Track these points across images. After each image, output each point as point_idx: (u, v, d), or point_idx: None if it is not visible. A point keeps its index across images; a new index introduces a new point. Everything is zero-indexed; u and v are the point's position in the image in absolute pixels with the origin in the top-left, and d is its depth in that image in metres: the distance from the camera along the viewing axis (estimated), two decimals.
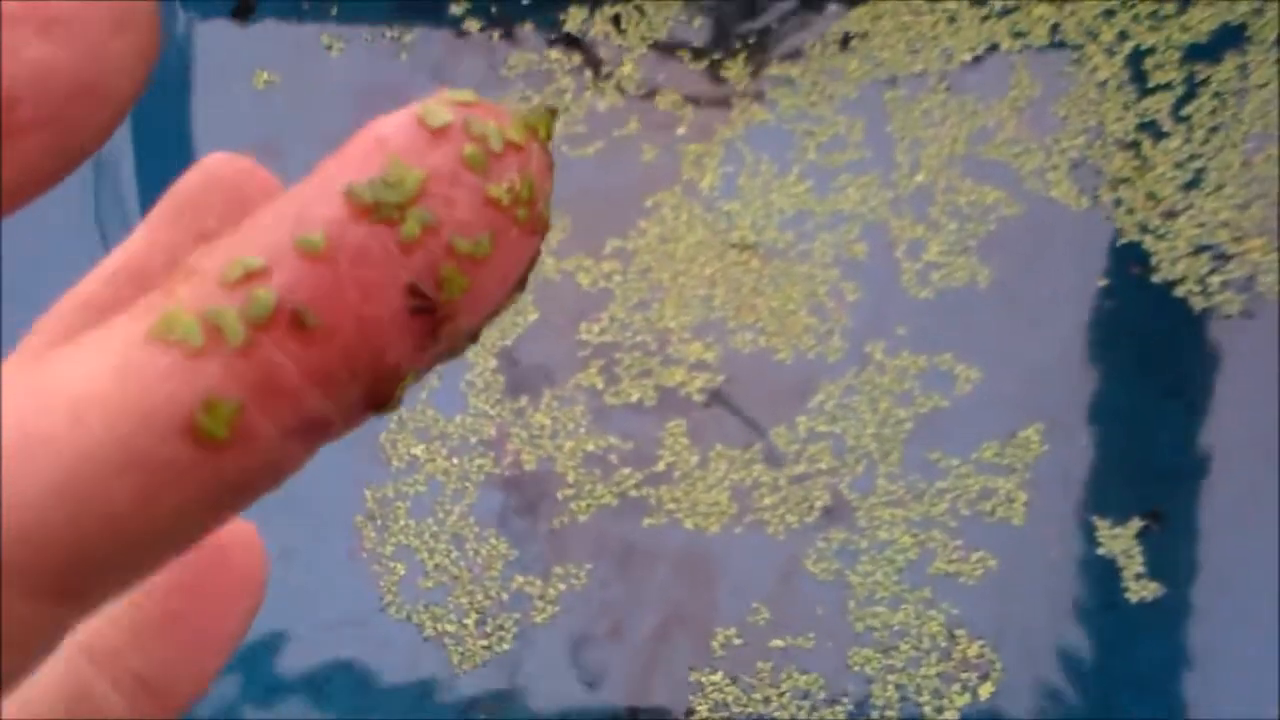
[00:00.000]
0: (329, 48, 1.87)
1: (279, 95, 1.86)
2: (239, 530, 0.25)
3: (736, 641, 1.60)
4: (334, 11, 1.88)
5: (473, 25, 1.87)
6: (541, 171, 0.20)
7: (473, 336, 0.19)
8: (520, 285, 0.20)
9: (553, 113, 0.20)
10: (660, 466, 1.66)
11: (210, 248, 0.19)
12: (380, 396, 0.19)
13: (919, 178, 1.73)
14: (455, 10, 1.87)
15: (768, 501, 1.65)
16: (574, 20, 1.83)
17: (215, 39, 1.91)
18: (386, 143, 0.19)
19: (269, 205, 0.19)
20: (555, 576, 1.66)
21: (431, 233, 0.18)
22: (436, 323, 0.19)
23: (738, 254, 1.73)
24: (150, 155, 1.87)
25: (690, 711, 1.58)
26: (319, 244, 0.18)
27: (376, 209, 0.18)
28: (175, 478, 0.18)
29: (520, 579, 1.66)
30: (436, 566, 1.67)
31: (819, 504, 1.64)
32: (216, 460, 0.18)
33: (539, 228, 0.19)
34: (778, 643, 1.60)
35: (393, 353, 0.18)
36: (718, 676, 1.58)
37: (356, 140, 0.20)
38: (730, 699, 1.58)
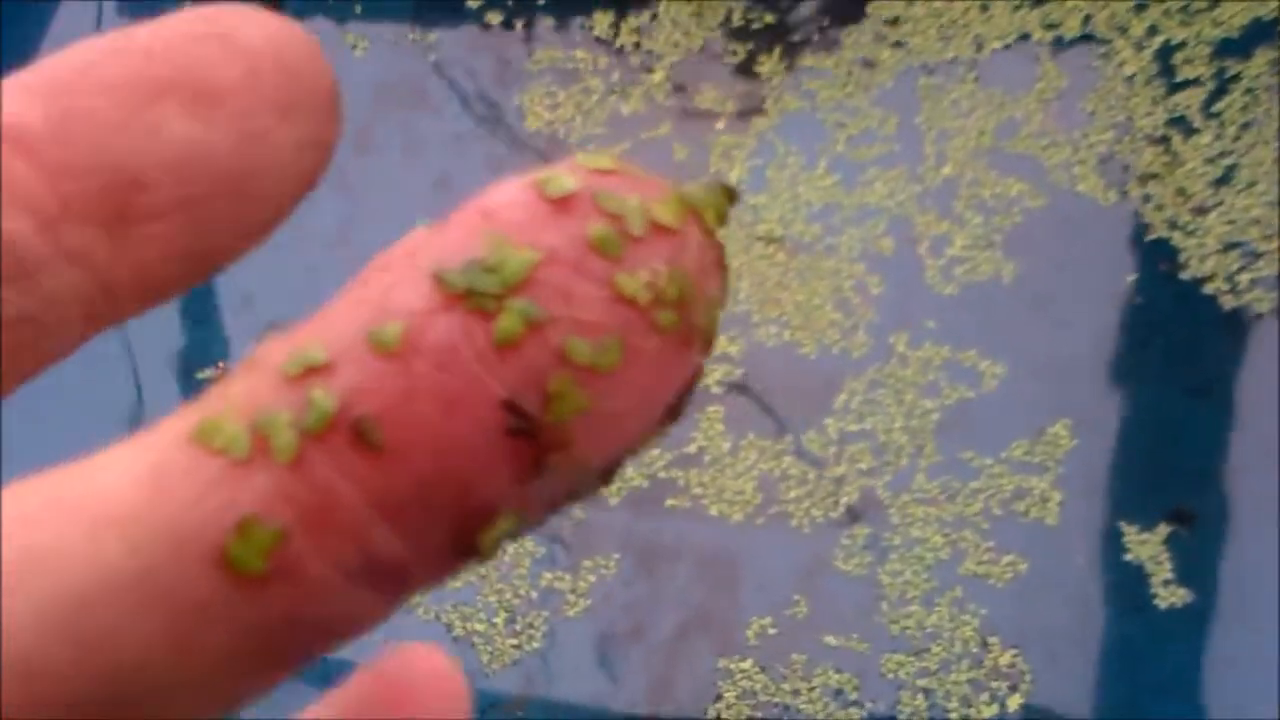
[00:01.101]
0: (354, 47, 1.85)
1: None
2: (424, 662, 0.20)
3: (771, 631, 1.56)
4: (358, 10, 1.85)
5: (494, 19, 1.83)
6: (703, 267, 0.16)
7: (604, 476, 0.16)
8: (671, 414, 0.16)
9: (728, 194, 0.17)
10: (692, 449, 1.63)
11: (284, 336, 0.16)
12: (467, 539, 0.15)
13: (945, 170, 1.69)
14: (476, 4, 1.84)
15: (793, 494, 1.61)
16: (601, 24, 1.79)
17: None
18: (494, 216, 0.16)
19: (350, 287, 0.16)
20: (584, 569, 1.62)
21: (538, 332, 0.15)
22: (541, 450, 0.15)
23: (764, 247, 1.69)
24: None
25: (718, 697, 1.54)
26: (394, 339, 0.15)
27: (469, 297, 0.15)
28: (206, 619, 0.15)
29: (549, 575, 1.63)
30: None
31: (844, 500, 1.60)
32: (256, 600, 0.15)
33: (693, 339, 0.16)
34: (815, 638, 1.57)
35: (484, 486, 0.15)
36: (747, 664, 1.55)
37: (461, 212, 0.16)
38: (759, 687, 1.54)
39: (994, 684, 1.52)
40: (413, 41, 1.83)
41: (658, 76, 1.77)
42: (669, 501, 1.63)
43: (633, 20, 1.79)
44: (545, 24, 1.82)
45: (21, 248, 0.17)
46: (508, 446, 0.15)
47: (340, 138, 0.18)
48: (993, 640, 1.54)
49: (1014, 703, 1.51)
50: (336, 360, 0.15)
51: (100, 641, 0.14)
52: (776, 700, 1.54)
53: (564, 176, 0.16)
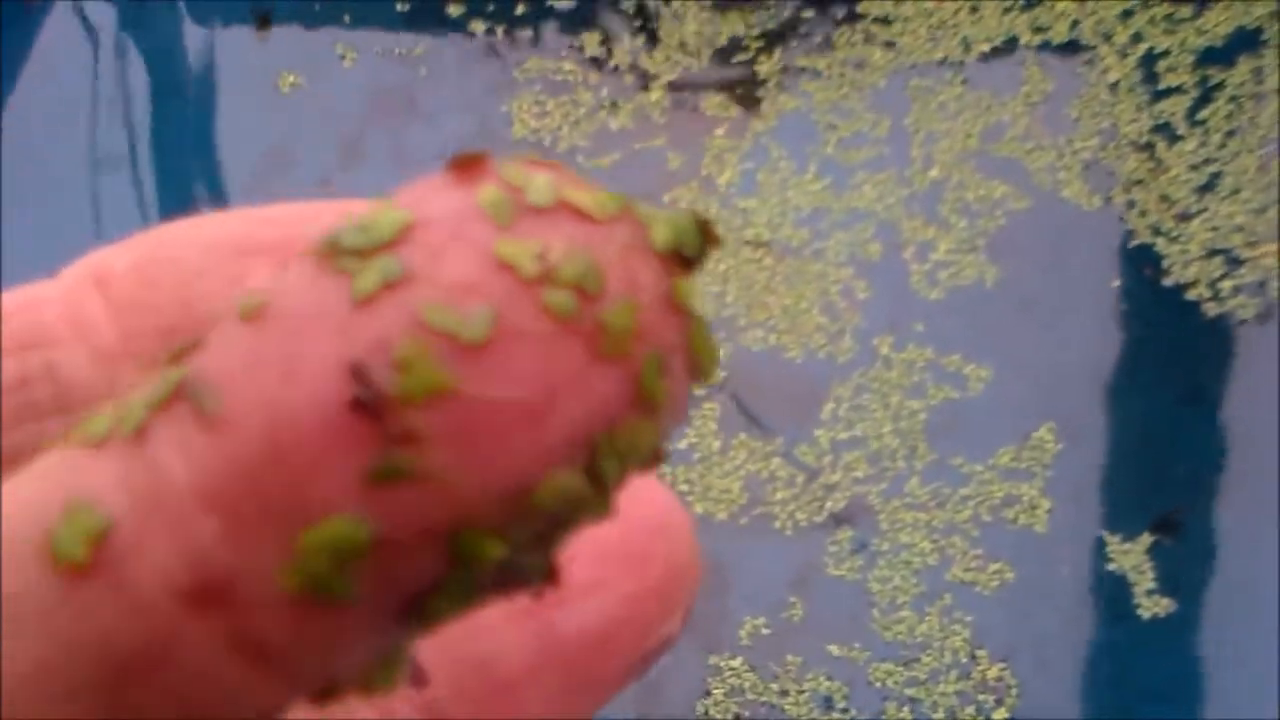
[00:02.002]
0: (343, 57, 1.81)
1: (292, 103, 1.80)
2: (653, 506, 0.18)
3: (765, 632, 1.53)
4: (347, 19, 1.82)
5: (483, 29, 1.80)
6: (640, 288, 0.13)
7: (494, 522, 0.13)
8: (593, 466, 0.13)
9: (701, 228, 0.14)
10: (682, 445, 1.59)
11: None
12: (300, 560, 0.12)
13: (933, 173, 1.66)
14: (463, 15, 1.81)
15: (779, 496, 1.58)
16: (590, 44, 1.77)
17: (230, 47, 1.85)
18: (397, 192, 0.14)
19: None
20: None
21: (393, 290, 0.13)
22: (387, 438, 0.12)
23: (751, 251, 1.66)
24: (163, 159, 1.81)
25: (707, 693, 1.51)
26: (256, 306, 0.13)
27: (332, 256, 0.13)
28: (20, 617, 0.13)
29: None
30: None
31: (829, 506, 1.57)
32: (75, 601, 0.13)
33: (606, 349, 0.13)
34: (806, 641, 1.54)
35: (320, 477, 0.12)
36: (737, 662, 1.52)
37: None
38: (747, 685, 1.51)
39: (981, 696, 1.49)
40: (401, 53, 1.79)
41: (654, 95, 1.74)
42: None
43: (628, 42, 1.76)
44: (536, 36, 1.79)
45: (71, 378, 0.16)
46: (349, 427, 0.12)
47: None
48: (981, 653, 1.51)
49: (999, 716, 1.49)
50: (207, 337, 0.13)
51: None
52: (764, 700, 1.51)
53: (477, 153, 0.14)
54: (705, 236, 0.14)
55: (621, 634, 0.17)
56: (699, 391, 1.59)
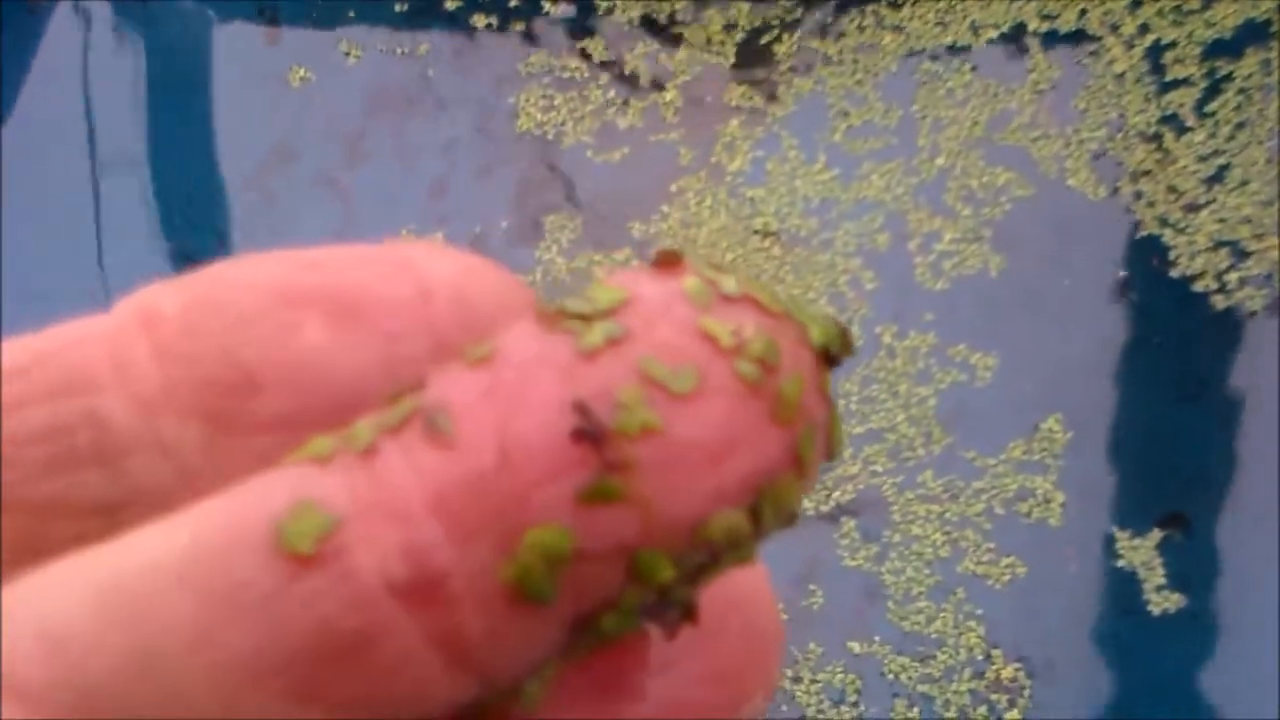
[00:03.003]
0: (347, 54, 1.76)
1: (296, 99, 1.75)
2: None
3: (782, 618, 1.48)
4: (351, 14, 1.76)
5: (487, 25, 1.75)
6: (803, 371, 0.16)
7: (677, 556, 0.15)
8: (756, 511, 0.15)
9: (844, 336, 0.17)
10: None
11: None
12: (507, 563, 0.14)
13: (939, 161, 1.62)
14: (471, 14, 1.75)
15: None
16: (597, 49, 1.71)
17: (233, 45, 1.80)
18: (607, 276, 0.16)
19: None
20: None
21: (617, 348, 0.15)
22: (604, 465, 0.14)
23: (760, 240, 1.61)
24: (164, 157, 1.77)
25: None
26: (485, 353, 0.15)
27: (560, 318, 0.15)
28: (241, 605, 0.14)
29: None
30: None
31: (835, 497, 1.53)
32: (295, 590, 0.14)
33: (779, 415, 0.15)
34: (818, 632, 1.50)
35: (540, 491, 0.14)
36: None
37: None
38: None
39: (994, 696, 1.46)
40: (405, 49, 1.74)
41: (669, 94, 1.68)
42: None
43: (640, 48, 1.70)
44: (543, 32, 1.73)
45: (112, 426, 0.16)
46: (570, 452, 0.14)
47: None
48: (996, 652, 1.47)
49: (1010, 717, 1.45)
50: (432, 379, 0.15)
51: (131, 617, 0.14)
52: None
53: (677, 251, 0.16)
54: (845, 342, 0.16)
55: (686, 717, 0.17)
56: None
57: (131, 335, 0.17)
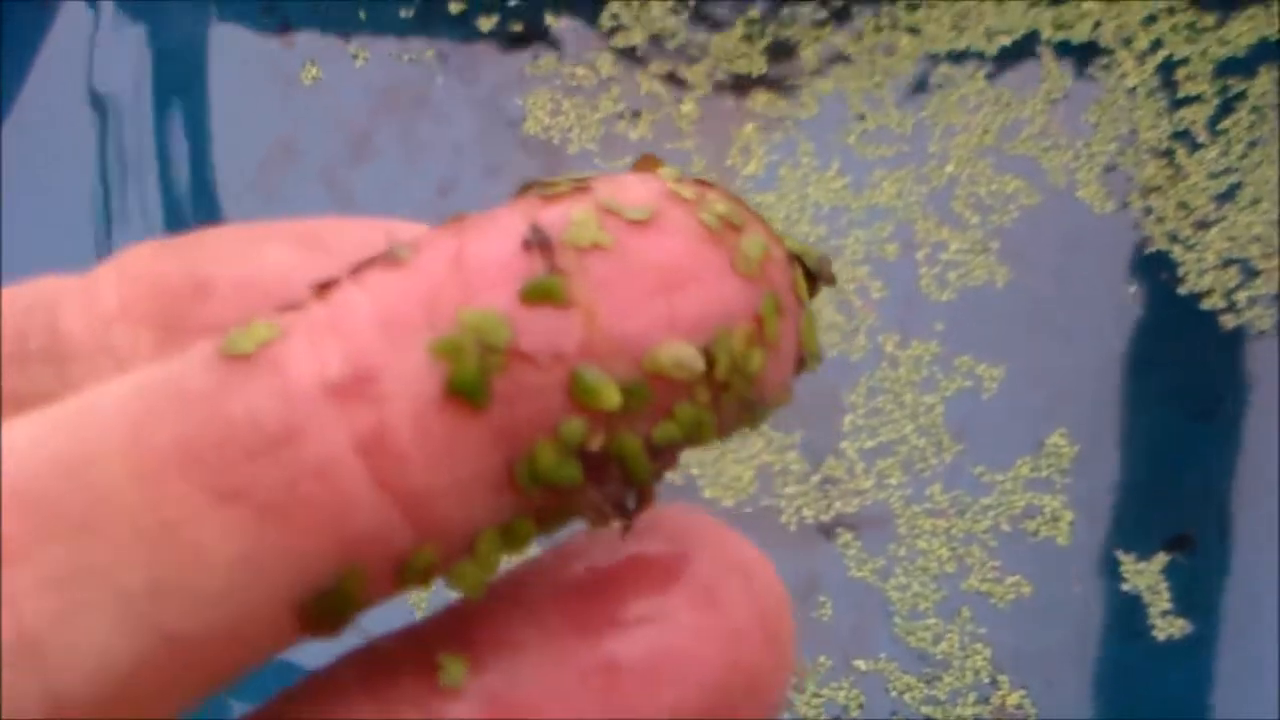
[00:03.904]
0: (355, 56, 1.71)
1: (300, 100, 1.70)
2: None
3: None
4: (362, 15, 1.71)
5: (500, 29, 1.69)
6: (782, 268, 0.16)
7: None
8: (715, 364, 0.15)
9: (824, 261, 0.17)
10: None
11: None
12: (442, 349, 0.14)
13: (949, 168, 1.57)
14: (483, 20, 1.70)
15: (789, 490, 1.50)
16: (605, 64, 1.65)
17: (239, 44, 1.75)
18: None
19: None
20: None
21: (581, 190, 0.15)
22: (546, 267, 0.15)
23: None
24: (167, 153, 1.72)
25: None
26: (453, 218, 0.17)
27: (529, 189, 0.17)
28: (179, 397, 0.14)
29: None
30: None
31: (838, 506, 1.49)
32: (231, 381, 0.14)
33: (743, 272, 0.16)
34: (826, 644, 1.43)
35: (482, 290, 0.15)
36: None
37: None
38: None
39: None
40: (414, 51, 1.69)
41: (687, 107, 1.63)
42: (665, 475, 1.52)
43: (655, 66, 1.65)
44: (555, 36, 1.67)
45: (66, 332, 0.17)
46: (518, 258, 0.15)
47: None
48: (1002, 678, 1.43)
49: None
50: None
51: (68, 427, 0.14)
52: None
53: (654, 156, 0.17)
54: (823, 266, 0.17)
55: (673, 675, 0.15)
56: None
57: (104, 274, 0.18)
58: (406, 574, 0.15)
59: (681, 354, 0.15)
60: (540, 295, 0.14)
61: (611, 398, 0.14)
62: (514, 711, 0.15)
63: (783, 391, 0.16)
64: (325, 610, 0.14)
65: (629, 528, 0.16)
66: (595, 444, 0.15)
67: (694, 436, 0.15)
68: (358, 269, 0.15)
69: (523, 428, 0.14)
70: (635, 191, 0.15)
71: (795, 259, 0.16)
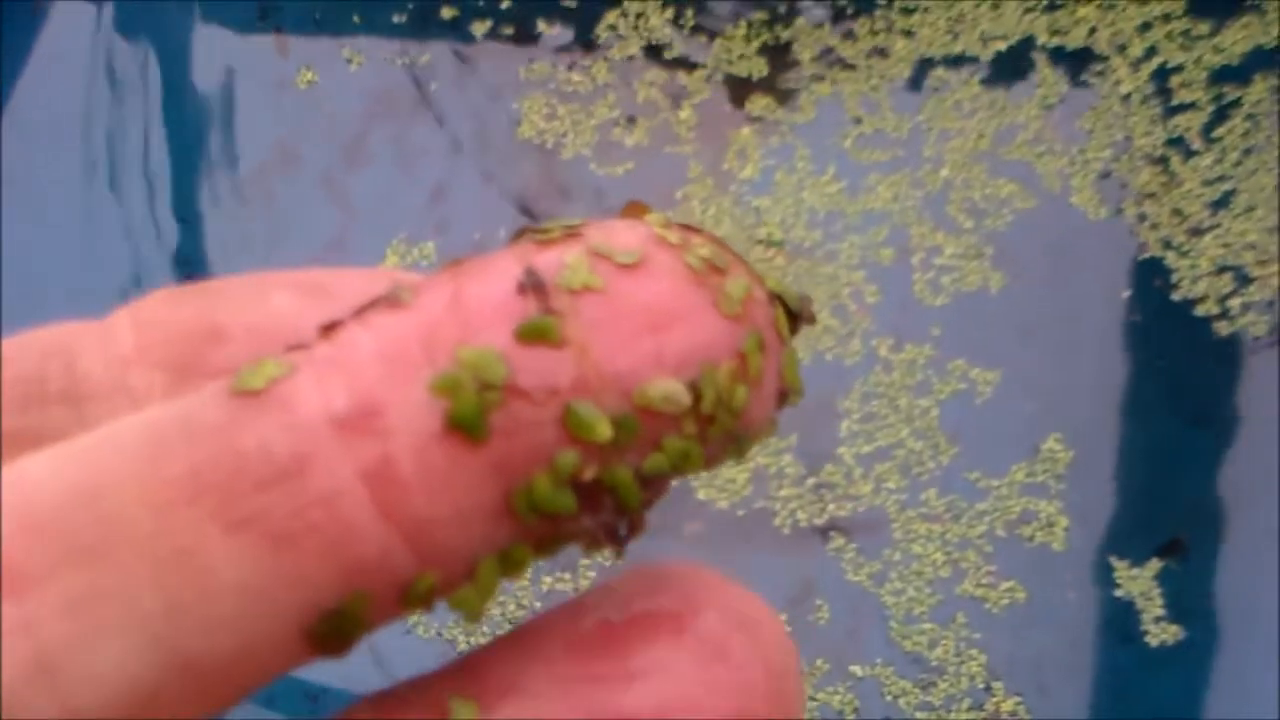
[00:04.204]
0: (349, 61, 1.69)
1: (295, 105, 1.69)
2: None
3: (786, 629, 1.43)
4: (356, 19, 1.70)
5: (491, 32, 1.68)
6: (764, 308, 0.17)
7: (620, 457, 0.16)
8: (701, 399, 0.16)
9: (804, 301, 0.18)
10: None
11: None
12: (442, 386, 0.15)
13: (944, 173, 1.56)
14: (476, 28, 1.68)
15: (783, 493, 1.49)
16: (601, 71, 1.64)
17: (235, 47, 1.73)
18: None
19: None
20: (584, 567, 1.51)
21: (572, 236, 0.16)
22: (540, 308, 0.15)
23: (763, 250, 1.56)
24: (162, 157, 1.71)
25: None
26: (452, 263, 0.17)
27: (524, 235, 0.17)
28: (192, 432, 0.15)
29: (549, 579, 1.50)
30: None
31: (831, 509, 1.48)
32: (241, 415, 0.15)
33: (728, 313, 0.16)
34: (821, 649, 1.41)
35: (480, 330, 0.15)
36: None
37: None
38: None
39: None
40: (408, 55, 1.67)
41: (684, 114, 1.62)
42: None
43: (652, 75, 1.63)
44: (549, 42, 1.66)
45: (84, 374, 0.18)
46: (514, 300, 0.15)
47: None
48: (997, 685, 1.42)
49: None
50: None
51: (82, 458, 0.15)
52: None
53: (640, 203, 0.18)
54: (804, 305, 0.18)
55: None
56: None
57: (119, 319, 0.18)
58: (409, 598, 0.15)
59: (669, 389, 0.15)
60: (535, 335, 0.15)
61: (604, 431, 0.15)
62: None
63: (766, 424, 0.17)
64: (332, 632, 0.15)
65: (622, 554, 0.17)
66: (589, 474, 0.15)
67: (682, 467, 0.16)
68: (361, 310, 0.15)
69: (520, 460, 0.15)
70: (624, 236, 0.16)
71: (776, 298, 0.17)
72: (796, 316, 0.18)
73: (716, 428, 0.16)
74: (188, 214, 1.68)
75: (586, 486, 0.15)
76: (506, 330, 0.15)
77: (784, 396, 0.17)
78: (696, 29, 1.62)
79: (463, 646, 1.46)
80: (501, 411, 0.15)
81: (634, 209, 0.17)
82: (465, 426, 0.14)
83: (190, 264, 1.63)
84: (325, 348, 0.15)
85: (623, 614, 0.16)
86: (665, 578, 0.17)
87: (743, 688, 0.16)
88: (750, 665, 0.16)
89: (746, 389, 0.16)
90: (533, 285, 0.15)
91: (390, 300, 0.15)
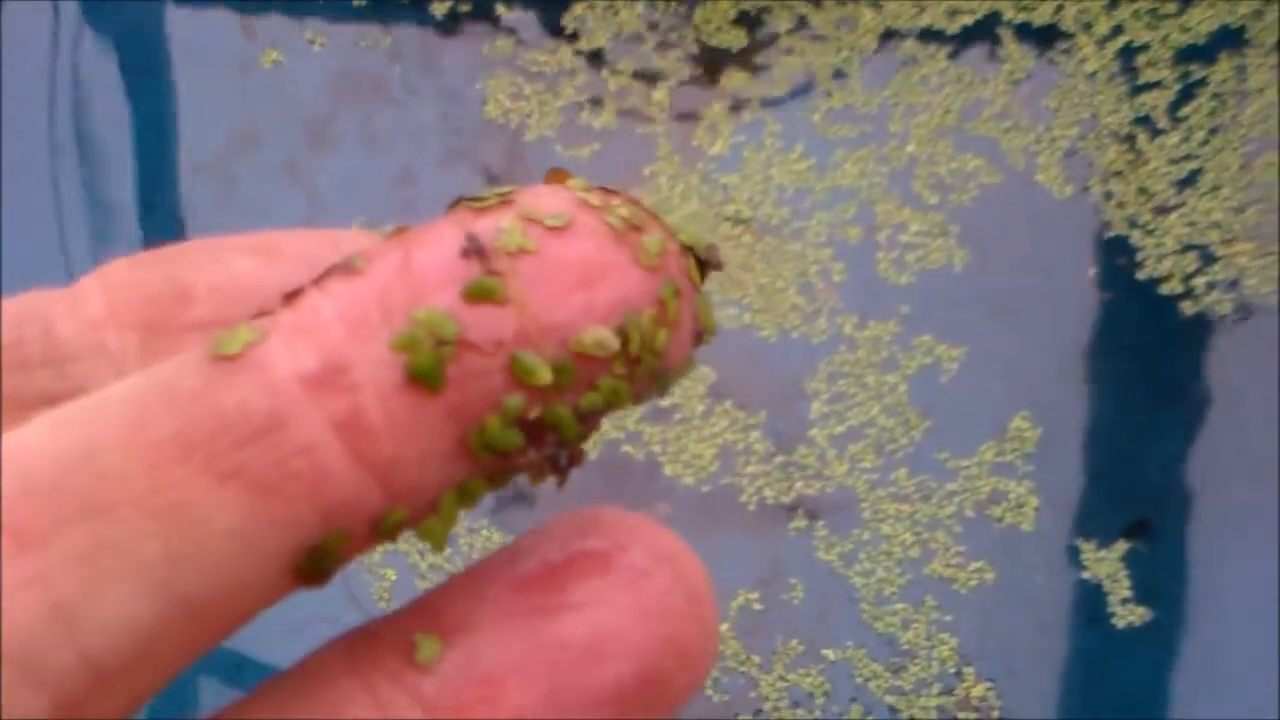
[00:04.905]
0: (312, 42, 1.65)
1: (259, 86, 1.64)
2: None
3: (757, 607, 1.42)
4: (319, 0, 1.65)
5: (457, 11, 1.62)
6: (678, 258, 0.18)
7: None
8: (628, 343, 0.17)
9: (711, 248, 0.19)
10: (665, 403, 1.49)
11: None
12: (400, 350, 0.16)
13: (910, 148, 1.52)
14: (436, 9, 1.64)
15: (750, 470, 1.46)
16: (567, 56, 1.60)
17: (199, 28, 1.68)
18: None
19: None
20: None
21: (505, 203, 0.17)
22: (483, 271, 0.17)
23: (731, 227, 1.51)
24: (124, 141, 1.66)
25: None
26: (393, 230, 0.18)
27: (459, 204, 0.18)
28: (173, 396, 0.16)
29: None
30: (431, 567, 1.48)
31: (799, 487, 1.45)
32: (220, 378, 0.16)
33: (644, 263, 0.18)
34: (793, 629, 1.42)
35: (430, 293, 0.17)
36: (724, 626, 1.41)
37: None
38: (729, 651, 1.41)
39: (961, 715, 1.39)
40: (370, 38, 1.63)
41: (659, 94, 1.58)
42: (625, 449, 1.49)
43: (623, 65, 1.59)
44: (516, 22, 1.62)
45: (61, 337, 0.19)
46: (458, 264, 0.17)
47: None
48: (968, 670, 1.40)
49: None
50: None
51: (75, 422, 0.16)
52: (744, 670, 1.41)
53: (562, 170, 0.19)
54: (712, 254, 0.19)
55: (613, 649, 0.17)
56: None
57: (87, 284, 0.20)
58: (381, 531, 0.16)
59: (600, 336, 0.17)
60: (481, 294, 0.16)
61: (545, 376, 0.17)
62: (478, 683, 0.17)
63: (685, 362, 0.18)
64: (314, 566, 0.16)
65: (564, 481, 0.18)
66: (533, 414, 0.17)
67: (613, 403, 0.17)
68: (320, 279, 0.16)
69: (473, 404, 0.16)
70: (550, 201, 0.17)
71: (688, 250, 0.18)
72: (706, 264, 0.19)
73: (642, 367, 0.17)
74: (151, 197, 1.64)
75: (532, 424, 0.17)
76: (454, 291, 0.16)
77: (699, 336, 0.18)
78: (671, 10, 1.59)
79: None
80: (455, 363, 0.16)
81: (556, 175, 0.18)
82: (424, 378, 0.16)
83: (153, 247, 1.58)
84: (290, 314, 0.16)
85: (559, 554, 0.18)
86: (595, 520, 0.18)
87: (666, 613, 0.17)
88: (672, 593, 0.17)
89: (667, 331, 0.17)
90: (474, 250, 0.16)
91: (345, 268, 0.16)
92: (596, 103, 1.58)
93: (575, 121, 1.57)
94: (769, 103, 1.56)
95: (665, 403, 1.48)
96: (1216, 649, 1.37)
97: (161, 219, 1.63)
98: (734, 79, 1.57)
